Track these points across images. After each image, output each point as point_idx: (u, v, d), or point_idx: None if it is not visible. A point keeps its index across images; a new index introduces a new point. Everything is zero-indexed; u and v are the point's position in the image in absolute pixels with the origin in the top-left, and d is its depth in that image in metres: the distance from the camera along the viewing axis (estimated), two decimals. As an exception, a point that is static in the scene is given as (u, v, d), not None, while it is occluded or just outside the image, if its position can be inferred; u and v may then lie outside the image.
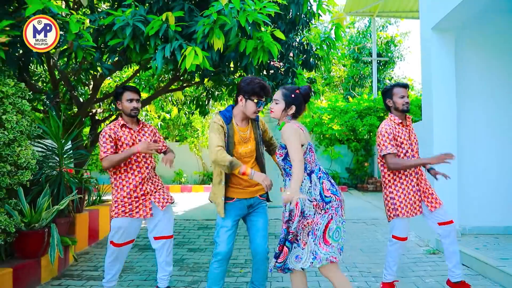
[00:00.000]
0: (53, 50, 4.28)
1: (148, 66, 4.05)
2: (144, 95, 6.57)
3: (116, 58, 3.43)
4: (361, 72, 13.32)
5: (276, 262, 2.15)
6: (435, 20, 4.13)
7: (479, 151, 4.42)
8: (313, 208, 2.09)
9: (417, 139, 2.87)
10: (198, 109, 6.60)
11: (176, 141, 10.83)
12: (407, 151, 2.74)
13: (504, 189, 4.36)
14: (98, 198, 5.35)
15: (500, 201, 4.33)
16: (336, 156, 10.28)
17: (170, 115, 9.70)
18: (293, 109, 2.21)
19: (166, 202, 2.69)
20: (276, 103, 2.23)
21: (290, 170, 2.18)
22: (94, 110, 5.52)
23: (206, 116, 7.82)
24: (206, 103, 6.43)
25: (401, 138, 2.72)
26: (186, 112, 8.44)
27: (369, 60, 12.95)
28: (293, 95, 2.21)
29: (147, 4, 3.38)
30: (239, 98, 2.37)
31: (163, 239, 2.69)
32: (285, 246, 2.10)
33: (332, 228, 2.08)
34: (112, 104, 6.12)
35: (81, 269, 3.51)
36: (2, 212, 2.73)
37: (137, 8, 2.99)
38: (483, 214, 4.31)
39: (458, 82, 4.35)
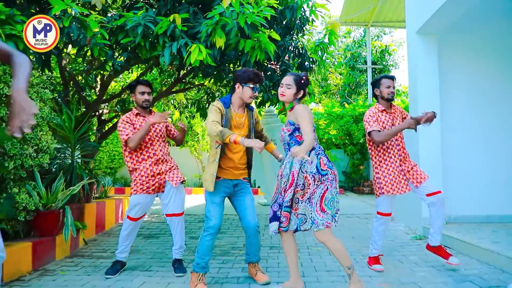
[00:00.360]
0: (69, 50, 4.64)
1: (153, 64, 4.39)
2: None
3: (126, 57, 3.77)
4: (357, 80, 13.73)
5: (281, 227, 2.40)
6: (419, 24, 4.49)
7: (463, 147, 4.72)
8: (303, 179, 2.39)
9: (401, 121, 3.14)
10: (199, 112, 6.93)
11: (176, 144, 11.13)
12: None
13: (486, 181, 4.65)
14: (104, 194, 5.63)
15: (482, 192, 4.62)
16: (332, 159, 10.57)
17: (171, 118, 10.02)
18: (301, 93, 2.52)
19: (178, 180, 3.01)
20: (288, 88, 2.49)
21: (294, 145, 2.44)
22: (100, 111, 5.85)
23: (206, 119, 8.15)
24: (207, 106, 6.75)
25: (384, 123, 3.03)
26: (187, 115, 8.77)
27: (365, 68, 13.36)
28: (302, 81, 2.52)
29: (154, 9, 3.74)
30: (236, 86, 2.67)
31: (173, 216, 3.01)
32: (285, 212, 2.37)
33: (328, 197, 2.37)
34: (118, 105, 6.46)
35: (90, 251, 3.78)
36: (23, 192, 3.02)
37: (147, 11, 3.34)
38: (467, 204, 4.59)
39: (446, 81, 4.70)
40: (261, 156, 7.53)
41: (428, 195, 3.02)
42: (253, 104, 3.88)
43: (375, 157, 3.09)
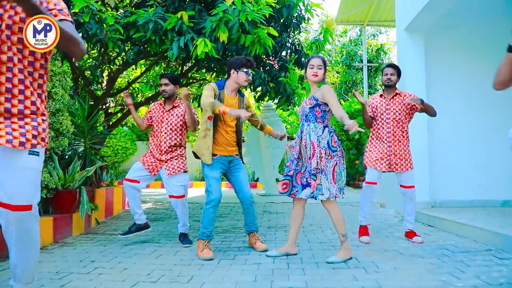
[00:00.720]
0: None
1: (159, 58, 4.71)
2: (149, 93, 7.23)
3: (136, 51, 4.09)
4: (353, 78, 14.07)
5: (309, 193, 2.68)
6: (406, 21, 4.83)
7: (449, 138, 5.06)
8: (319, 152, 2.67)
9: (401, 109, 3.42)
10: (201, 107, 7.24)
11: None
12: (380, 118, 3.46)
13: (469, 169, 4.99)
14: (111, 183, 5.95)
15: (466, 180, 4.97)
16: (329, 155, 10.89)
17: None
18: (325, 74, 2.85)
19: (173, 171, 3.32)
20: (320, 68, 2.78)
21: (311, 118, 2.75)
22: (107, 104, 6.17)
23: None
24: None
25: (376, 107, 3.47)
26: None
27: (361, 67, 13.70)
28: (325, 61, 2.85)
29: (162, 7, 4.06)
30: (231, 72, 2.99)
31: (173, 197, 3.36)
32: (312, 179, 2.66)
33: (337, 171, 2.70)
34: (123, 99, 6.77)
35: (102, 230, 4.10)
36: (45, 171, 3.34)
37: (156, 8, 3.66)
38: (451, 190, 4.94)
39: (433, 75, 5.04)
40: (260, 149, 7.85)
41: (401, 186, 3.43)
42: (251, 99, 4.17)
43: (369, 134, 3.56)
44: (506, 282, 2.13)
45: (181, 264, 2.66)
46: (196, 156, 3.05)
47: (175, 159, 3.35)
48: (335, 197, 2.68)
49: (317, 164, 2.66)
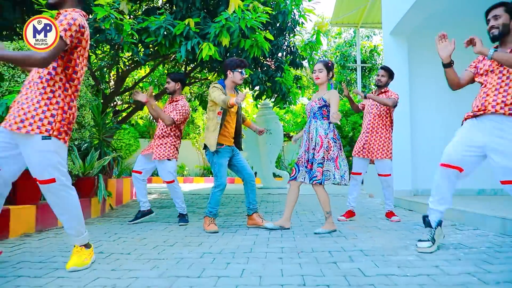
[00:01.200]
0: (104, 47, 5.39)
1: (164, 59, 5.16)
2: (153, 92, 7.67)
3: (148, 53, 4.54)
4: (348, 78, 14.56)
5: (316, 179, 3.09)
6: (391, 26, 5.31)
7: (429, 130, 5.55)
8: (327, 143, 3.13)
9: (381, 107, 3.92)
10: (201, 105, 7.70)
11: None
12: (367, 111, 4.02)
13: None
14: (119, 175, 6.40)
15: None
16: (324, 151, 11.36)
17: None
18: (330, 74, 3.26)
19: (157, 157, 3.77)
20: (320, 71, 3.20)
21: (319, 116, 3.19)
22: (115, 102, 6.62)
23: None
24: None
25: (367, 102, 4.03)
26: (190, 108, 9.57)
27: (355, 67, 14.19)
28: (329, 64, 3.27)
29: (170, 14, 4.51)
30: (228, 73, 3.44)
31: (165, 182, 3.85)
32: (318, 167, 3.10)
33: (339, 160, 3.14)
34: (130, 97, 7.21)
35: (116, 214, 4.55)
36: (69, 159, 3.79)
37: (166, 16, 4.12)
38: (432, 180, 5.41)
39: (416, 74, 5.52)
40: (258, 145, 8.32)
41: (378, 174, 3.92)
42: (250, 98, 4.62)
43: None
44: (456, 242, 2.62)
45: (191, 236, 3.12)
46: (205, 147, 3.49)
47: (164, 146, 3.78)
48: (338, 184, 3.12)
49: (324, 153, 3.11)
